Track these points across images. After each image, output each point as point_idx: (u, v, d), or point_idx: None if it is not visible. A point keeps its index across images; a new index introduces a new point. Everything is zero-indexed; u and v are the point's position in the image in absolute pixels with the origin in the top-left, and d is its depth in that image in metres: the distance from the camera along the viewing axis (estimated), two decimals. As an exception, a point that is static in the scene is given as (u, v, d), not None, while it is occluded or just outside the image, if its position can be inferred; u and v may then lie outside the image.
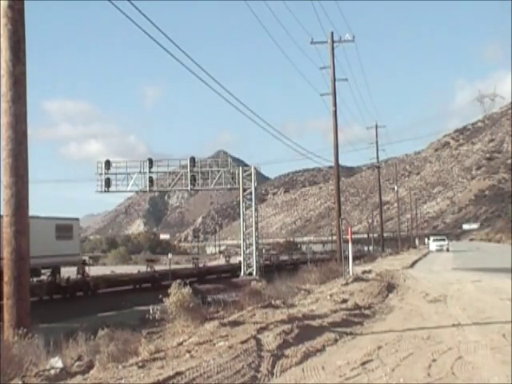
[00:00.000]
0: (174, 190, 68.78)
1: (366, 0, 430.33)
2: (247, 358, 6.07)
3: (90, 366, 6.04)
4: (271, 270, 48.37)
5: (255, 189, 42.13)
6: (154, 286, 33.80)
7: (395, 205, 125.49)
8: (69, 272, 33.48)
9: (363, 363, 6.13)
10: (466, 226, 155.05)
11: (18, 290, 8.04)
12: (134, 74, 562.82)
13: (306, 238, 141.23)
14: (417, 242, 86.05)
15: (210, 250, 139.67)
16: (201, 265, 51.83)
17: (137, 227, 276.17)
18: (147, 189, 44.13)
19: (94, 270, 43.21)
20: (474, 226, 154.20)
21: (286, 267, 47.83)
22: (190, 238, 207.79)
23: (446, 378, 5.53)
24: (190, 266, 51.21)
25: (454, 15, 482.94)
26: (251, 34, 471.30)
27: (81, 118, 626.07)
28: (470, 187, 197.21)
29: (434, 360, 6.26)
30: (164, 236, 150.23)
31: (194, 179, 42.33)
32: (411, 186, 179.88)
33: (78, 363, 6.19)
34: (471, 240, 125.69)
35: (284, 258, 66.55)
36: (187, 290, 8.68)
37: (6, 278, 8.08)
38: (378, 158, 55.38)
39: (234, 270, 46.55)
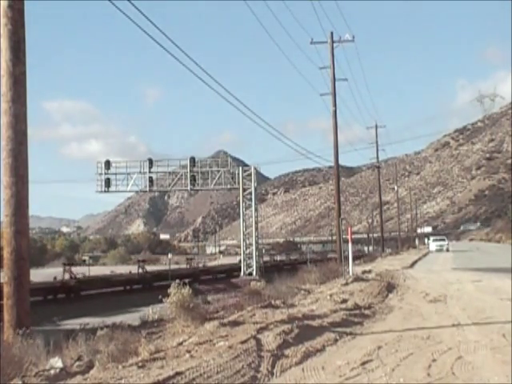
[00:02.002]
0: (174, 190, 68.75)
1: (366, 0, 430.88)
2: (247, 358, 6.07)
3: (90, 366, 6.04)
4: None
5: (255, 189, 42.13)
6: (70, 296, 28.86)
7: (395, 205, 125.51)
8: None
9: (363, 363, 6.13)
10: (420, 230, 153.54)
11: (17, 290, 8.04)
12: (134, 74, 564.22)
13: (305, 238, 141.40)
14: (417, 242, 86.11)
15: (209, 249, 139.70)
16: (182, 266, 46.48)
17: (137, 227, 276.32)
18: (147, 189, 44.13)
19: (93, 270, 43.25)
20: (429, 228, 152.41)
21: (266, 270, 45.00)
22: (189, 238, 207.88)
23: (446, 378, 5.52)
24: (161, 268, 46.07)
25: (455, 15, 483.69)
26: (251, 33, 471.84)
27: (81, 118, 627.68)
28: (470, 187, 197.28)
29: (434, 360, 6.26)
30: (164, 236, 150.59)
31: (193, 179, 42.34)
32: (411, 185, 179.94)
33: (77, 363, 6.19)
34: (471, 240, 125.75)
35: (265, 259, 64.52)
36: (187, 290, 8.69)
37: (6, 278, 8.08)
38: (377, 158, 55.39)
39: (197, 274, 41.33)
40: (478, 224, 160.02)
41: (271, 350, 6.46)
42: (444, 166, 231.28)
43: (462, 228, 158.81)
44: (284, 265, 53.42)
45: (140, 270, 37.57)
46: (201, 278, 40.96)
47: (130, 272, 37.97)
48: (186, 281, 37.00)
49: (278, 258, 68.13)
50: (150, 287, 34.01)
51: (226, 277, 42.48)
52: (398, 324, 8.93)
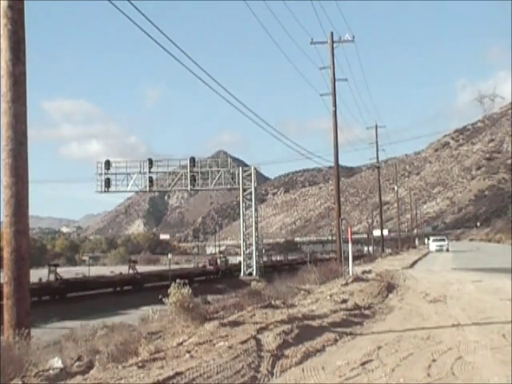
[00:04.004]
0: (174, 190, 68.85)
1: (366, 0, 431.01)
2: (247, 358, 6.07)
3: (90, 366, 6.04)
4: (216, 278, 41.33)
5: (255, 189, 42.17)
6: None
7: (395, 205, 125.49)
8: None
9: (363, 363, 6.13)
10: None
11: (17, 290, 8.03)
12: (134, 74, 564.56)
13: (305, 238, 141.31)
14: (417, 242, 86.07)
15: (209, 250, 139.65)
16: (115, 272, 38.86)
17: (137, 227, 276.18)
18: (147, 189, 44.21)
19: (93, 271, 43.26)
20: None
21: (235, 274, 42.96)
22: (190, 238, 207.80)
23: (446, 378, 5.52)
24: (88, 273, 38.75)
25: (455, 15, 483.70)
26: (251, 34, 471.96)
27: (81, 118, 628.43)
28: (470, 187, 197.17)
29: (434, 360, 6.26)
30: (164, 236, 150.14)
31: (193, 179, 42.40)
32: (411, 186, 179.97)
33: (77, 363, 6.19)
34: (471, 240, 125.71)
35: (239, 260, 60.70)
36: (187, 290, 8.68)
37: (6, 278, 8.07)
38: (377, 158, 55.38)
39: (138, 282, 34.86)
40: (430, 228, 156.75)
41: (271, 350, 6.46)
42: (444, 166, 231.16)
43: (414, 231, 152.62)
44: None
45: (52, 277, 29.77)
46: (144, 285, 34.36)
47: (40, 280, 29.19)
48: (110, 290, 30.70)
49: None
50: (61, 298, 28.62)
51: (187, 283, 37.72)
52: (397, 324, 8.93)
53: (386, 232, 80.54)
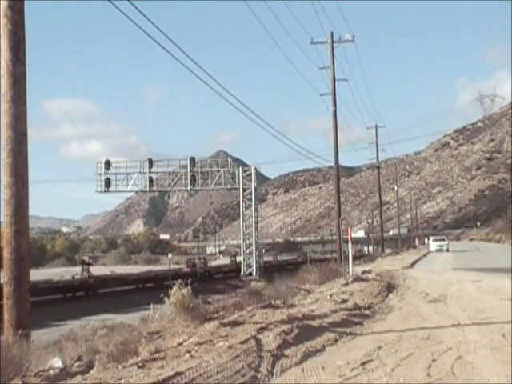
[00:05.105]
0: (174, 190, 68.85)
1: (366, 0, 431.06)
2: (247, 358, 6.07)
3: (90, 366, 6.04)
4: (193, 281, 38.54)
5: (255, 189, 42.17)
6: None
7: (395, 205, 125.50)
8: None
9: (363, 363, 6.13)
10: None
11: (17, 290, 8.04)
12: (134, 74, 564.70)
13: (305, 238, 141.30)
14: (417, 242, 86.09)
15: (209, 250, 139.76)
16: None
17: (137, 227, 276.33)
18: (147, 189, 44.24)
19: (92, 271, 43.16)
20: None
21: (216, 277, 41.84)
22: (190, 238, 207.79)
23: (446, 378, 5.52)
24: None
25: (455, 15, 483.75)
26: (251, 34, 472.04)
27: (81, 118, 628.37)
28: (470, 187, 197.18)
29: (434, 360, 6.26)
30: (164, 236, 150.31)
31: (193, 179, 42.43)
32: (411, 186, 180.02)
33: (77, 363, 6.18)
34: (471, 240, 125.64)
35: (221, 262, 57.85)
36: (187, 290, 8.68)
37: (6, 278, 8.07)
38: (377, 158, 55.39)
39: (91, 287, 29.98)
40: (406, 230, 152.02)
41: (271, 350, 6.45)
42: (444, 165, 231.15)
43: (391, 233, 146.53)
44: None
45: None
46: (99, 291, 30.03)
47: None
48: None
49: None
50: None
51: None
52: (397, 324, 8.93)
53: (362, 233, 79.39)
